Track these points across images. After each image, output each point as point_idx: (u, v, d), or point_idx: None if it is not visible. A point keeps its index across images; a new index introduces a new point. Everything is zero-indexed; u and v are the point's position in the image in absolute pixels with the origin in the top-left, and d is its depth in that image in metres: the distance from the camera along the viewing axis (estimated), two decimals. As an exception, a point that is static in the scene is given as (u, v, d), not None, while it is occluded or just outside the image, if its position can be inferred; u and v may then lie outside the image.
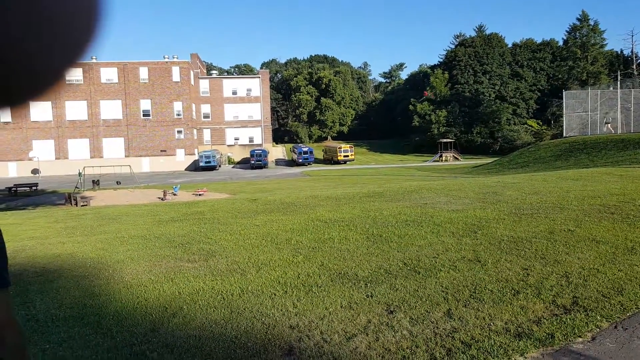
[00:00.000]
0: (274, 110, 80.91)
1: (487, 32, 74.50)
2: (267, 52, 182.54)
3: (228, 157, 58.56)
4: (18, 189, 28.94)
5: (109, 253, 7.19)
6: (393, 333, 3.73)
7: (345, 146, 56.30)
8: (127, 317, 4.36)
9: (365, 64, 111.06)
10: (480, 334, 3.62)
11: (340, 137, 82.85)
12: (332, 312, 4.19)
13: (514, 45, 73.25)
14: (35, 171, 35.51)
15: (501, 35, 72.62)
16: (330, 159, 56.25)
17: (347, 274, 5.21)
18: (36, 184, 30.60)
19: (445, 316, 4.00)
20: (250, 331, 3.94)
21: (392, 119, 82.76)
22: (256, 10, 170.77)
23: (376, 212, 8.80)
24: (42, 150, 49.83)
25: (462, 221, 7.61)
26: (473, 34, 75.78)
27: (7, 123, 49.74)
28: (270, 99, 69.10)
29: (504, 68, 69.55)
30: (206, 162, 47.84)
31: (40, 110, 50.80)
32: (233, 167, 54.21)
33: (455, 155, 59.11)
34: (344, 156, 54.34)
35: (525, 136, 63.71)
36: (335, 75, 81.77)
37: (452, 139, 63.65)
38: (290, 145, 66.14)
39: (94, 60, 52.21)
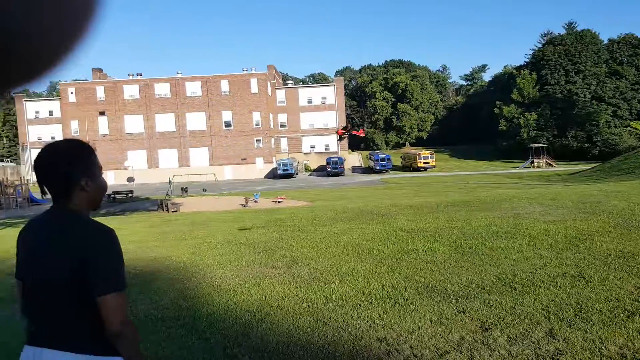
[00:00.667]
0: (349, 118, 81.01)
1: (578, 28, 69.18)
2: (341, 60, 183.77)
3: (305, 164, 59.64)
4: (116, 195, 31.58)
5: (199, 257, 7.56)
6: (489, 352, 3.50)
7: (425, 152, 54.45)
8: (218, 320, 4.52)
9: (444, 67, 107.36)
10: (589, 359, 3.28)
11: (419, 143, 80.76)
12: (421, 327, 4.04)
13: (611, 41, 67.15)
14: (130, 179, 38.64)
15: (595, 32, 67.02)
16: (409, 166, 54.86)
17: (435, 288, 5.01)
18: (132, 191, 33.11)
19: (547, 336, 3.68)
20: (337, 341, 3.91)
21: (476, 123, 78.94)
22: (329, 19, 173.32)
23: (463, 223, 8.41)
24: (136, 160, 54.18)
25: (561, 233, 7.02)
26: (562, 31, 70.77)
27: (105, 135, 54.66)
28: (345, 106, 69.44)
29: (600, 66, 63.90)
30: (284, 170, 49.06)
31: (133, 123, 55.32)
32: (310, 175, 55.08)
33: (549, 161, 54.77)
34: (424, 163, 52.55)
35: (629, 140, 57.93)
36: (412, 80, 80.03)
37: (544, 143, 58.99)
38: (366, 153, 65.70)
39: (180, 76, 55.94)
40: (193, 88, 55.24)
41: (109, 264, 1.62)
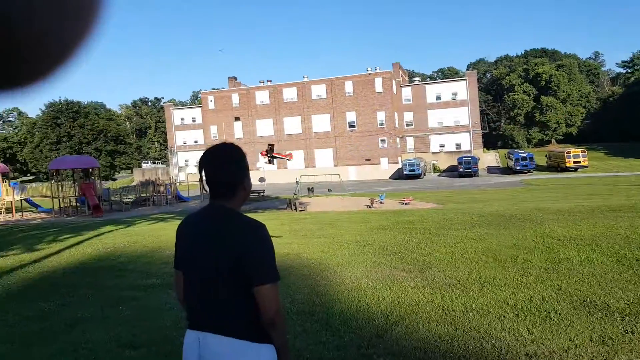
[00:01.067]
0: (483, 114, 76.29)
1: None
2: (473, 53, 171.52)
3: (433, 165, 57.74)
4: (250, 194, 33.96)
5: (328, 255, 7.71)
6: (672, 385, 2.91)
7: (575, 150, 48.31)
8: (351, 319, 4.52)
9: (597, 54, 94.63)
10: None
11: (568, 140, 72.16)
12: (578, 345, 3.56)
13: None
14: (261, 179, 41.22)
15: None
16: (555, 166, 49.29)
17: (594, 303, 4.37)
18: (263, 191, 35.23)
19: None
20: (480, 352, 3.62)
21: (638, 116, 68.01)
22: (458, 12, 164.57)
23: (627, 230, 7.26)
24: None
25: None
26: None
27: (239, 139, 59.36)
28: (479, 101, 65.42)
29: None
30: (410, 171, 47.94)
31: (264, 126, 59.24)
32: (438, 176, 53.12)
33: None
34: (574, 162, 46.56)
35: None
36: (557, 70, 71.96)
37: None
38: (504, 151, 60.82)
39: (306, 79, 58.39)
40: (318, 91, 57.21)
41: (264, 257, 1.70)
